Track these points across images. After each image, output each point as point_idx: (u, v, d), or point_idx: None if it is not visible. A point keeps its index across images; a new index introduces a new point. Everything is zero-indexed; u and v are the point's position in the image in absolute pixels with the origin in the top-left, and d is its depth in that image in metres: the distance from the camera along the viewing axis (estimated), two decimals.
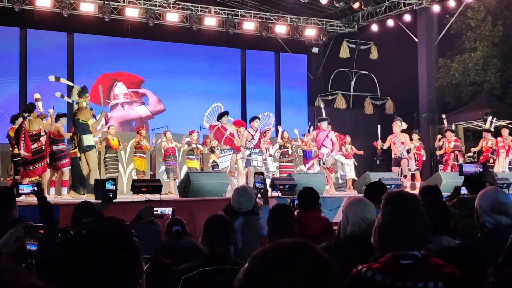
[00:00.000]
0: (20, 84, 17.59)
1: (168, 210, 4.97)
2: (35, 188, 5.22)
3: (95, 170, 11.31)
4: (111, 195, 7.90)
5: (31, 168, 11.04)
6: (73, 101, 11.65)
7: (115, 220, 1.39)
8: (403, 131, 14.19)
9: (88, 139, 11.23)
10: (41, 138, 11.37)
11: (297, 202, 5.52)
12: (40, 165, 11.11)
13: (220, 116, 13.51)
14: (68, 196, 11.39)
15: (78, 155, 11.30)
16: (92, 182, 10.94)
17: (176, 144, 13.84)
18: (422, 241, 2.66)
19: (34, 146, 11.07)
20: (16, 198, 5.02)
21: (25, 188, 5.22)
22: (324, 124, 13.79)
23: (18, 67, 17.63)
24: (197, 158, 14.07)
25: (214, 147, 13.61)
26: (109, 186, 7.97)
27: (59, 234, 1.37)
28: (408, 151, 13.87)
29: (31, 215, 5.67)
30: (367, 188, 5.43)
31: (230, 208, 5.33)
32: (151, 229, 4.64)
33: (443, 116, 16.13)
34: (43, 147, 11.22)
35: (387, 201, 2.78)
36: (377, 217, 3.91)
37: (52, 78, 12.50)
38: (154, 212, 4.88)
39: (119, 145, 13.74)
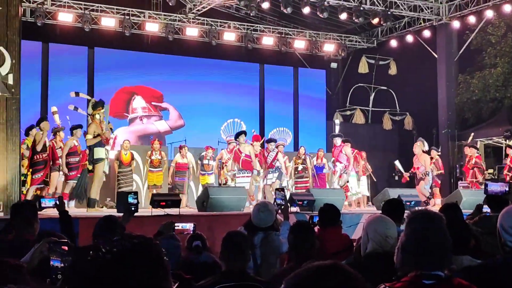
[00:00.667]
0: (41, 96, 17.76)
1: (189, 226, 4.98)
2: (57, 202, 5.26)
3: (98, 183, 11.31)
4: (132, 209, 7.94)
5: (33, 177, 11.05)
6: (88, 114, 11.69)
7: (146, 239, 1.41)
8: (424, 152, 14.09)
9: (98, 152, 11.25)
10: (57, 150, 11.55)
11: (317, 219, 5.50)
12: (40, 174, 11.07)
13: (237, 136, 13.56)
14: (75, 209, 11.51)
15: (89, 167, 11.33)
16: (93, 195, 11.05)
17: (189, 160, 13.96)
18: (445, 261, 2.64)
19: (37, 157, 11.04)
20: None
21: (47, 202, 5.27)
22: (338, 140, 13.84)
23: (39, 80, 17.82)
24: (209, 174, 14.10)
25: (224, 163, 13.73)
26: (130, 199, 8.02)
27: (91, 252, 1.39)
28: (426, 173, 13.76)
29: (51, 228, 5.70)
30: (385, 205, 5.40)
31: (250, 224, 5.33)
32: (172, 245, 4.65)
33: (471, 134, 15.91)
34: (45, 159, 11.15)
35: (410, 219, 2.77)
36: (397, 235, 3.92)
37: (72, 94, 12.64)
38: (175, 228, 4.90)
39: (132, 159, 13.73)
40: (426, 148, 14.16)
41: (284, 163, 14.20)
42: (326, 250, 4.77)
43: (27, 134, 11.50)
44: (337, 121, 14.80)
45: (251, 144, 14.18)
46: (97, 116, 11.28)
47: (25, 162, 11.02)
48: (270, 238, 5.21)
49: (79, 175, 11.75)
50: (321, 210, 5.41)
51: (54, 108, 12.34)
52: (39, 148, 10.91)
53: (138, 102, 19.40)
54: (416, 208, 10.01)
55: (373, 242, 3.75)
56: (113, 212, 10.00)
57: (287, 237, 5.18)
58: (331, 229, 5.26)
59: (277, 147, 14.38)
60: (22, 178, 10.55)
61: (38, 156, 10.91)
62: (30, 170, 11.00)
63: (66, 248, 3.19)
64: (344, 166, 13.68)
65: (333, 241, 5.14)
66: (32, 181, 10.98)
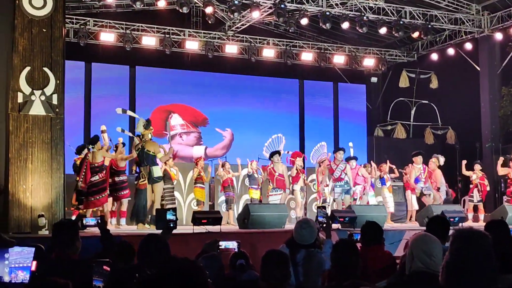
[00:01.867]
0: (85, 115, 18.08)
1: (232, 245, 4.97)
2: (99, 221, 5.33)
3: (159, 201, 11.44)
4: (171, 225, 7.99)
5: (92, 199, 11.28)
6: (136, 134, 11.81)
7: (190, 262, 1.40)
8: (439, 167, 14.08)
9: (157, 171, 11.39)
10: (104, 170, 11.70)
11: (359, 236, 5.43)
12: (101, 196, 11.36)
13: (271, 155, 13.73)
14: (127, 227, 11.59)
15: (147, 186, 11.40)
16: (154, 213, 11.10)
17: (233, 174, 13.93)
18: (490, 281, 2.58)
19: (96, 177, 11.31)
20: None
21: (90, 221, 5.34)
22: (353, 163, 13.95)
23: (83, 99, 18.16)
24: (257, 188, 14.09)
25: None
26: (169, 216, 8.07)
27: (137, 274, 1.39)
28: (437, 189, 13.71)
29: (94, 245, 5.76)
30: (430, 223, 5.30)
31: (292, 241, 5.29)
32: (215, 266, 4.63)
33: None
34: (105, 178, 11.45)
35: (456, 238, 2.72)
36: (442, 254, 3.84)
37: (119, 110, 12.79)
38: (220, 247, 4.90)
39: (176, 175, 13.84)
40: (442, 162, 14.06)
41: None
42: (368, 268, 4.71)
43: (79, 153, 11.70)
44: (351, 144, 14.69)
45: (292, 160, 14.17)
46: (149, 136, 11.43)
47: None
48: (312, 256, 5.17)
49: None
50: (364, 228, 5.34)
51: (103, 127, 12.49)
52: (98, 167, 11.16)
53: (176, 120, 19.58)
54: (461, 225, 9.84)
55: (418, 261, 3.69)
56: (153, 229, 10.09)
57: (330, 255, 5.13)
58: (374, 247, 5.20)
59: (321, 162, 14.32)
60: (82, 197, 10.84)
61: (99, 176, 11.18)
62: (92, 190, 11.24)
63: (107, 268, 3.22)
64: (362, 187, 13.83)
65: (376, 259, 5.07)
66: (99, 201, 11.22)
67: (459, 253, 2.65)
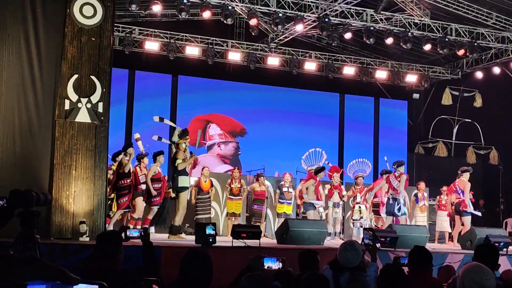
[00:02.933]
0: (126, 123, 18.25)
1: (276, 265, 4.90)
2: (142, 233, 5.31)
3: (184, 211, 11.42)
4: (210, 240, 7.98)
5: (119, 202, 11.35)
6: (173, 142, 11.84)
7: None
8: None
9: (183, 181, 11.39)
10: (141, 176, 11.80)
11: (406, 260, 5.31)
12: (122, 201, 11.33)
13: (317, 172, 13.61)
14: (156, 236, 11.65)
15: (172, 195, 11.44)
16: (177, 223, 11.14)
17: (266, 186, 13.91)
18: None
19: (121, 182, 11.33)
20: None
21: (133, 233, 5.33)
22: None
23: (125, 106, 18.34)
24: (288, 203, 13.96)
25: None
26: (209, 231, 8.06)
27: None
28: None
29: (136, 255, 5.75)
30: (478, 250, 5.14)
31: (336, 262, 5.20)
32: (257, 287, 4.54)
33: None
34: (130, 184, 11.45)
35: None
36: (495, 284, 3.73)
37: (156, 118, 12.88)
38: (265, 267, 4.83)
39: (211, 186, 13.82)
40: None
41: (355, 197, 14.03)
42: None
43: (114, 159, 11.83)
44: (386, 158, 14.58)
45: (330, 175, 14.04)
46: (183, 145, 11.46)
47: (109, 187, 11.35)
48: (357, 279, 5.07)
49: (161, 202, 11.94)
50: (412, 253, 5.18)
51: (137, 135, 12.62)
52: (124, 172, 11.22)
53: (214, 130, 19.65)
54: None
55: None
56: (192, 239, 10.08)
57: (375, 280, 5.03)
58: (421, 272, 5.05)
59: (356, 178, 14.21)
60: (108, 202, 10.89)
61: (123, 182, 11.22)
62: (115, 194, 11.32)
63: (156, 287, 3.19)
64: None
65: (423, 286, 4.93)
66: (118, 206, 11.28)
67: None
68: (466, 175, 13.52)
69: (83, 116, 9.37)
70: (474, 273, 3.73)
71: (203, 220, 12.86)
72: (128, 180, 11.37)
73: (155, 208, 11.94)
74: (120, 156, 11.44)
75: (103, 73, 9.57)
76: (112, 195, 11.24)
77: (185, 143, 11.56)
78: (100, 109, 9.50)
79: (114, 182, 11.22)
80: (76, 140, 9.33)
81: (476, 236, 10.94)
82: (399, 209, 12.84)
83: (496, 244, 9.86)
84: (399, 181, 12.97)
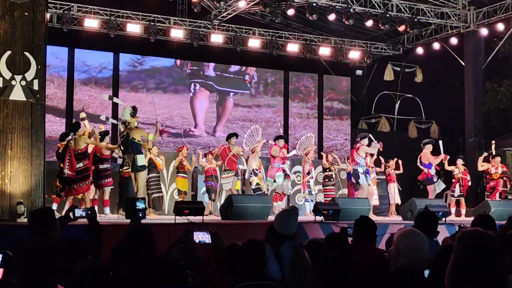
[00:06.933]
0: (67, 101, 17.79)
1: (207, 238, 4.88)
2: (89, 212, 5.19)
3: (143, 190, 11.30)
4: (140, 215, 7.88)
5: (75, 186, 11.20)
6: (123, 121, 11.62)
7: (172, 261, 1.31)
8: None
9: (141, 159, 11.25)
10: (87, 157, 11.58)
11: (352, 232, 5.32)
12: (84, 183, 11.27)
13: (228, 137, 13.80)
14: (111, 216, 11.50)
15: (131, 174, 11.28)
16: None
17: (216, 163, 13.79)
18: (500, 282, 2.52)
19: (80, 165, 11.24)
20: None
21: (81, 211, 5.21)
22: None
23: (65, 85, 17.88)
24: (238, 178, 13.94)
25: (257, 170, 13.48)
26: (140, 205, 7.97)
27: (111, 273, 1.30)
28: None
29: (82, 236, 5.60)
30: (418, 218, 5.22)
31: (273, 232, 5.05)
32: (188, 258, 4.49)
33: (493, 142, 15.69)
34: (88, 166, 11.35)
35: (462, 239, 2.65)
36: (429, 249, 3.78)
37: (106, 96, 12.65)
38: (196, 241, 4.80)
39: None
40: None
41: (309, 171, 14.25)
42: (360, 265, 4.57)
43: (62, 139, 11.58)
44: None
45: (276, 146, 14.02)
46: (135, 124, 11.29)
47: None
48: (299, 251, 4.94)
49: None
50: (357, 224, 5.18)
51: (83, 114, 12.34)
52: (82, 153, 11.14)
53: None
54: (467, 227, 9.80)
55: (404, 257, 3.62)
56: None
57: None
58: (366, 244, 5.04)
59: (307, 154, 14.32)
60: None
61: (83, 163, 11.11)
62: (76, 177, 11.14)
63: None
64: None
65: (367, 257, 4.89)
66: (81, 188, 11.14)
67: (466, 254, 2.60)
68: (429, 147, 14.31)
69: (17, 94, 9.03)
70: (408, 238, 3.76)
71: (159, 198, 12.82)
72: (85, 162, 11.28)
73: (107, 189, 11.76)
74: (69, 137, 11.25)
75: (37, 50, 9.23)
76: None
77: (137, 121, 11.41)
78: (36, 87, 9.18)
79: (75, 164, 11.08)
80: (11, 119, 9.00)
81: (417, 206, 11.16)
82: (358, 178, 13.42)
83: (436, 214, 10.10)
84: (358, 153, 13.53)
